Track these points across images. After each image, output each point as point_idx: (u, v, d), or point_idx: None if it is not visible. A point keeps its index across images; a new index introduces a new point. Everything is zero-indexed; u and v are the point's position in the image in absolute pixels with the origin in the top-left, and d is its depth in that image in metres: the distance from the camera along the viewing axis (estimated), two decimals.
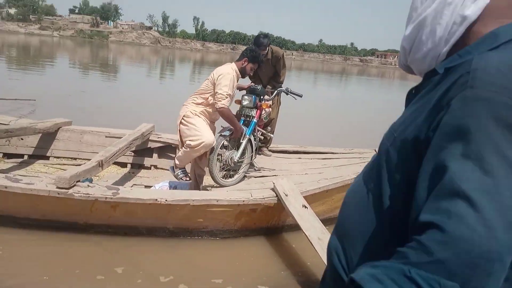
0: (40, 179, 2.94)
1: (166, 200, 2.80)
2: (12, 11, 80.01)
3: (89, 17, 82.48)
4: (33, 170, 3.95)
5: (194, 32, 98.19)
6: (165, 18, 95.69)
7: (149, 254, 2.84)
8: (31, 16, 79.63)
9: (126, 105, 8.79)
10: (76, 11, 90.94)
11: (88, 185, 2.81)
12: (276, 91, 4.16)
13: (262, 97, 3.92)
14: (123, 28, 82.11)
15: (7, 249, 2.67)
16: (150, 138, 4.37)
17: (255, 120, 3.83)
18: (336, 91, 21.54)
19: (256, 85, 3.98)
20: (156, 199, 2.78)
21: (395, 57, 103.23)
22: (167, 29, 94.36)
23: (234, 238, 3.18)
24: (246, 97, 3.85)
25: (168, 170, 4.42)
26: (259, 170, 4.09)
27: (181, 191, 3.20)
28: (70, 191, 2.68)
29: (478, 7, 0.71)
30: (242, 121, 3.82)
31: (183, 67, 29.98)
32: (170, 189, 3.46)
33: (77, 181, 2.77)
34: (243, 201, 2.98)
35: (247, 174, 3.95)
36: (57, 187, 2.67)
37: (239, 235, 3.20)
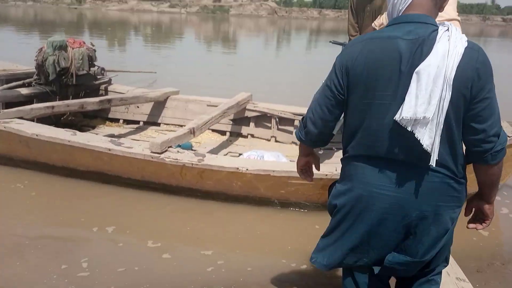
0: (139, 143, 3.29)
1: (247, 169, 2.87)
2: None
3: None
4: (146, 135, 4.44)
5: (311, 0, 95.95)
6: None
7: (239, 219, 3.00)
8: None
9: (239, 77, 9.12)
10: None
11: (178, 151, 3.04)
12: None
13: None
14: (242, 1, 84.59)
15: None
16: (247, 108, 4.49)
17: None
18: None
19: None
20: (238, 168, 2.88)
21: None
22: None
23: (320, 211, 3.13)
24: None
25: (264, 139, 4.53)
26: None
27: (263, 161, 3.25)
28: (162, 155, 2.95)
29: None
30: None
31: (298, 38, 29.73)
32: (257, 158, 3.53)
33: (168, 147, 3.02)
34: (326, 175, 2.88)
35: (336, 147, 3.81)
36: (151, 152, 2.96)
37: (325, 209, 3.13)
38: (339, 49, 3.83)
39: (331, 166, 2.98)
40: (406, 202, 1.36)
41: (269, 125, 4.53)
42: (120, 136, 4.31)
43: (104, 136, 4.04)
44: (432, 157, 1.27)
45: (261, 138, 4.55)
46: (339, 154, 3.69)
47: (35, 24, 28.35)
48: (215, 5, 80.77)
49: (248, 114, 4.54)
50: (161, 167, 3.01)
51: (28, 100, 4.08)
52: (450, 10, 3.29)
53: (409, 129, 1.27)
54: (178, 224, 2.88)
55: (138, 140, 4.26)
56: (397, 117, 1.27)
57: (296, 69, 10.68)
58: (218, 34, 27.58)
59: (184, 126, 4.60)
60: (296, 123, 4.42)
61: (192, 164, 2.92)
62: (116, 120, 4.78)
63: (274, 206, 3.12)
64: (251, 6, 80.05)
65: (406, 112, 1.25)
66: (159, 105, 4.69)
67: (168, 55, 13.01)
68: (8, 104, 3.90)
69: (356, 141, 1.45)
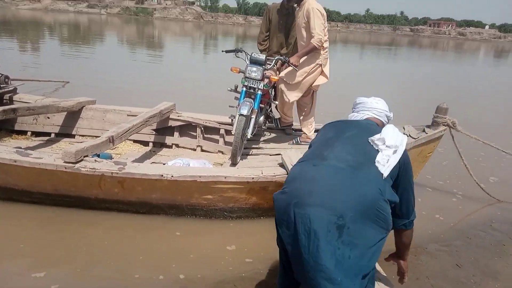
0: (50, 154, 3.00)
1: (172, 176, 2.76)
2: None
3: None
4: (58, 147, 4.09)
5: (236, 6, 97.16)
6: None
7: (159, 232, 2.87)
8: None
9: (162, 85, 8.83)
10: None
11: (96, 160, 2.83)
12: (275, 59, 3.78)
13: (265, 66, 3.65)
14: (166, 4, 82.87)
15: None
16: (170, 117, 4.36)
17: (260, 92, 3.62)
18: (378, 63, 20.53)
19: (258, 54, 3.68)
20: (162, 175, 2.76)
21: (449, 26, 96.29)
22: (209, 4, 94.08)
23: (247, 218, 3.12)
24: (253, 68, 3.57)
25: (189, 148, 4.43)
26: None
27: (188, 167, 3.16)
28: (77, 165, 2.71)
29: None
30: (244, 93, 3.62)
31: (225, 42, 29.85)
32: (183, 165, 3.42)
33: (84, 156, 2.80)
34: (253, 178, 2.89)
35: (261, 153, 3.85)
36: (64, 161, 2.71)
37: (252, 215, 3.14)
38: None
39: (257, 170, 2.99)
40: None
41: (195, 134, 4.45)
42: (28, 149, 3.91)
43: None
44: None
45: (186, 148, 4.44)
46: (266, 158, 3.72)
47: None
48: (138, 6, 78.09)
49: (172, 123, 4.41)
50: (77, 178, 2.77)
51: None
52: (319, 30, 3.53)
53: None
54: (100, 245, 2.66)
55: (47, 152, 3.90)
56: None
57: (222, 76, 10.66)
58: (142, 38, 26.66)
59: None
60: (222, 131, 4.39)
61: (112, 173, 2.73)
62: (23, 133, 4.34)
63: (201, 214, 3.04)
64: (176, 9, 78.69)
65: None
66: (73, 115, 4.35)
67: (86, 61, 12.23)
68: None
69: None
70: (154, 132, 4.42)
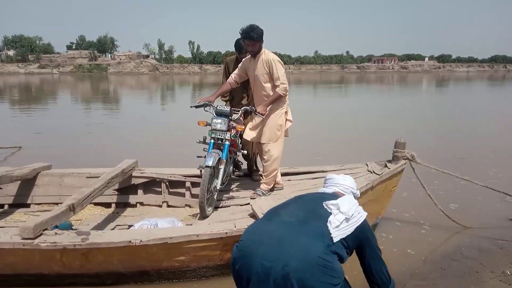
0: (5, 230, 2.77)
1: (140, 241, 2.63)
2: (11, 52, 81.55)
3: (86, 51, 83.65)
4: (13, 219, 3.81)
5: (190, 56, 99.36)
6: (161, 45, 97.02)
7: None
8: (29, 56, 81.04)
9: (122, 142, 8.65)
10: (73, 47, 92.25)
11: (56, 233, 2.65)
12: (241, 109, 3.88)
13: (231, 117, 3.75)
14: (120, 59, 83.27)
15: None
16: (133, 175, 4.22)
17: (227, 143, 3.68)
18: (330, 102, 21.41)
19: (223, 106, 3.79)
20: (130, 241, 2.62)
21: (391, 61, 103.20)
22: (164, 56, 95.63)
23: (223, 275, 2.99)
24: (218, 120, 3.67)
25: (154, 205, 4.28)
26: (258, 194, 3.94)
27: (157, 229, 3.03)
28: (36, 241, 2.53)
29: None
30: (212, 145, 3.67)
31: (183, 92, 30.11)
32: (150, 227, 3.28)
33: (43, 229, 2.61)
34: (226, 233, 2.81)
35: (232, 204, 3.77)
36: (22, 238, 2.52)
37: (227, 272, 3.00)
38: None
39: (229, 224, 2.91)
40: None
41: (159, 190, 4.32)
42: None
43: None
44: None
45: (151, 205, 4.28)
46: (237, 209, 3.64)
47: None
48: (92, 63, 77.79)
49: (135, 181, 4.27)
50: (36, 254, 2.56)
51: None
52: (283, 79, 3.68)
53: None
54: None
55: (4, 227, 3.62)
56: None
57: (183, 128, 10.62)
58: (97, 93, 26.36)
59: (60, 203, 4.11)
60: (188, 184, 4.29)
61: (75, 245, 2.55)
62: None
63: (173, 277, 2.87)
64: (130, 63, 79.15)
65: None
66: (28, 183, 4.11)
67: (39, 123, 11.84)
68: None
69: None
70: (116, 192, 4.24)
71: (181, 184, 4.31)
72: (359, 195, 2.26)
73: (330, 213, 1.86)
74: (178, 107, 17.80)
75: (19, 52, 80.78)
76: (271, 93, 3.73)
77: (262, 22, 4.71)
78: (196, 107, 3.82)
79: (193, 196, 4.32)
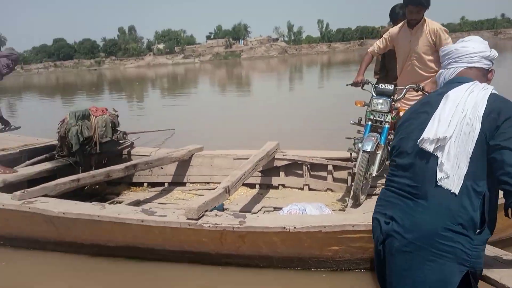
0: (172, 210, 3.05)
1: (295, 228, 2.59)
2: (161, 46, 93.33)
3: (223, 40, 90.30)
4: (173, 197, 4.24)
5: (319, 35, 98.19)
6: (290, 27, 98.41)
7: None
8: (175, 48, 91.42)
9: (261, 125, 8.78)
10: (212, 36, 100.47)
11: (216, 214, 2.80)
12: (405, 88, 3.41)
13: (393, 97, 3.38)
14: (252, 45, 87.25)
15: None
16: (275, 157, 4.27)
17: (387, 125, 3.34)
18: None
19: (385, 85, 3.42)
20: (284, 227, 2.60)
21: None
22: (292, 38, 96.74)
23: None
24: (379, 100, 3.35)
25: (296, 188, 4.27)
26: None
27: (311, 216, 2.96)
28: (200, 221, 2.69)
29: None
30: (369, 128, 3.38)
31: (309, 74, 29.96)
32: (299, 212, 3.23)
33: (205, 211, 2.78)
34: None
35: None
36: (187, 218, 2.72)
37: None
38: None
39: None
40: None
41: (301, 172, 4.28)
42: (146, 201, 4.12)
43: (129, 204, 3.86)
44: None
45: (293, 188, 4.29)
46: None
47: (57, 89, 29.62)
48: (227, 51, 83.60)
49: (277, 163, 4.31)
50: (199, 234, 2.75)
51: (51, 174, 3.97)
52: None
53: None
54: None
55: (165, 203, 4.05)
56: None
57: (314, 107, 10.46)
58: (232, 79, 28.09)
59: (210, 183, 4.42)
60: (330, 168, 4.15)
61: (233, 228, 2.65)
62: (140, 184, 4.60)
63: (327, 266, 2.78)
64: (261, 48, 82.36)
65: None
66: (184, 164, 4.52)
67: (185, 107, 13.11)
68: (31, 181, 3.79)
69: None
70: (260, 174, 4.36)
71: (322, 167, 4.19)
72: (495, 55, 1.60)
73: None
74: (307, 89, 17.70)
75: (167, 45, 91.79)
76: (437, 68, 3.28)
77: None
78: (354, 85, 3.64)
79: (335, 180, 4.17)
